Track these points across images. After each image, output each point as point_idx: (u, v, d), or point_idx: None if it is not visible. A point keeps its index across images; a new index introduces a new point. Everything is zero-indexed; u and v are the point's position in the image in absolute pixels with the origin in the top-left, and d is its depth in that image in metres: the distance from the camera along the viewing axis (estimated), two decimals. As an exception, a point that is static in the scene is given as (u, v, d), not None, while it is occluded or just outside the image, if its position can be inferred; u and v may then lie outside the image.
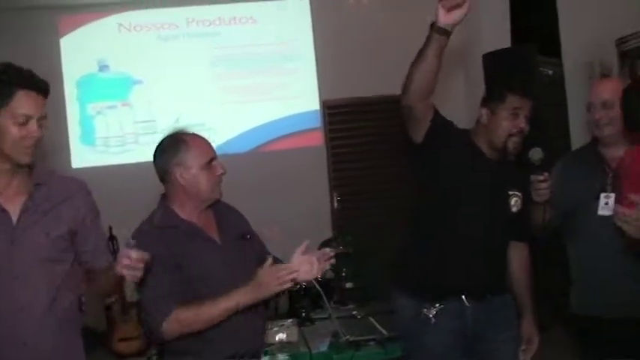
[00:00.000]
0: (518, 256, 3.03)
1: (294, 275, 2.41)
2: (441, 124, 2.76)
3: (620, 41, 4.65)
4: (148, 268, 2.24)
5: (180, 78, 6.72)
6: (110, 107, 6.72)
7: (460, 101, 6.69)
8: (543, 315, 5.06)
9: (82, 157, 6.64)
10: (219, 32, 6.86)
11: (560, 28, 5.52)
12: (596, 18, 4.97)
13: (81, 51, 6.64)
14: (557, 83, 5.59)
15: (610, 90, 2.84)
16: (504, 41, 6.15)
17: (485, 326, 2.85)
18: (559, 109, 5.53)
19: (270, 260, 2.45)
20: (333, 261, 2.56)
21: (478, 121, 2.91)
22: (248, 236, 2.68)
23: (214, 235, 2.59)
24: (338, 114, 6.96)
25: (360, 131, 6.91)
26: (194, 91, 6.74)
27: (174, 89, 6.71)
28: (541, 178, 2.73)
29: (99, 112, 6.71)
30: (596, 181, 2.85)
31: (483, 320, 2.84)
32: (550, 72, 5.90)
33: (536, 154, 2.75)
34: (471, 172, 2.82)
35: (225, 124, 6.70)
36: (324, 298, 3.06)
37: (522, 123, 2.81)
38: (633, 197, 2.29)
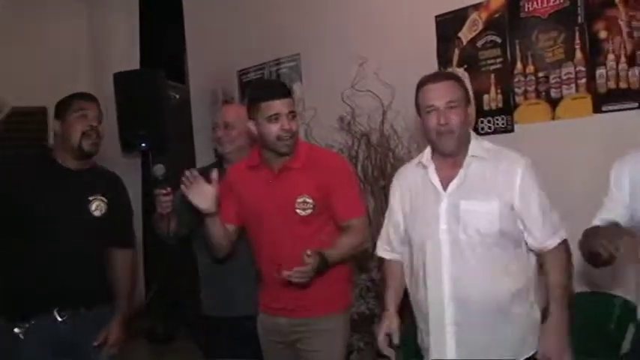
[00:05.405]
0: (118, 262, 3.12)
1: None
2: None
3: (241, 72, 5.11)
4: None
5: None
6: None
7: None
8: (171, 325, 5.31)
9: None
10: None
11: (188, 57, 5.88)
12: (220, 50, 5.39)
13: None
14: (184, 106, 5.93)
15: (232, 114, 3.21)
16: (134, 63, 6.32)
17: (84, 339, 2.94)
18: (185, 130, 5.88)
19: None
20: None
21: (55, 135, 3.04)
22: None
23: None
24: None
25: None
26: None
27: None
28: (164, 192, 2.88)
29: None
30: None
31: (80, 333, 2.93)
32: (177, 96, 6.24)
33: (158, 170, 2.89)
34: (41, 185, 2.92)
35: None
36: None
37: (94, 122, 2.97)
38: (286, 273, 2.44)
